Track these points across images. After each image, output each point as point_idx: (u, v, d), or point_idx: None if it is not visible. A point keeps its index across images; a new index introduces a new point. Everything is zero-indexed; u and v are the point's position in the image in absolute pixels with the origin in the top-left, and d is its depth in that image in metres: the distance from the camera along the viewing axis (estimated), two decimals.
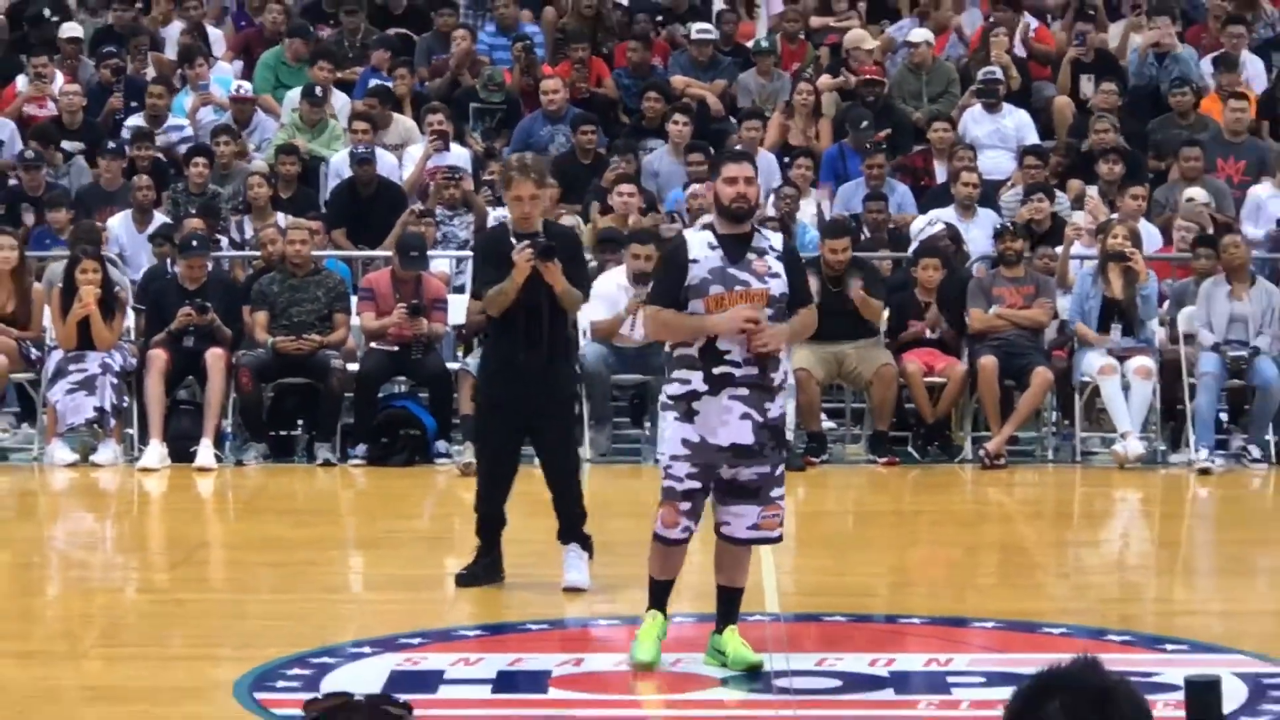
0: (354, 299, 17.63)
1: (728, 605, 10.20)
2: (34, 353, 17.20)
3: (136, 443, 16.75)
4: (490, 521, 12.10)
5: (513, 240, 12.03)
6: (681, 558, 10.13)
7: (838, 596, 11.31)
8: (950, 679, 10.08)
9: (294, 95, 20.72)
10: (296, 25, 22.24)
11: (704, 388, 9.77)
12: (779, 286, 9.99)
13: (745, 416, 9.87)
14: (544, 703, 9.86)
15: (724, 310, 9.76)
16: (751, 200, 10.28)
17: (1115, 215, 18.08)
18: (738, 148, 15.19)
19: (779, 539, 10.38)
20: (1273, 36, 21.81)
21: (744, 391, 9.87)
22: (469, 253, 15.52)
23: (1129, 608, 12.43)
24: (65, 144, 20.19)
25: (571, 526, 12.09)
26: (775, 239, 10.52)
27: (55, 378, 16.84)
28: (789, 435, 16.48)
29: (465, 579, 12.04)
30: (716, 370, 9.78)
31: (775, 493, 10.07)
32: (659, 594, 10.11)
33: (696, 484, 9.80)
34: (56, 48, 21.60)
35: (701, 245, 9.91)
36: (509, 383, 12.28)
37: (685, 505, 9.80)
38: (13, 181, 19.43)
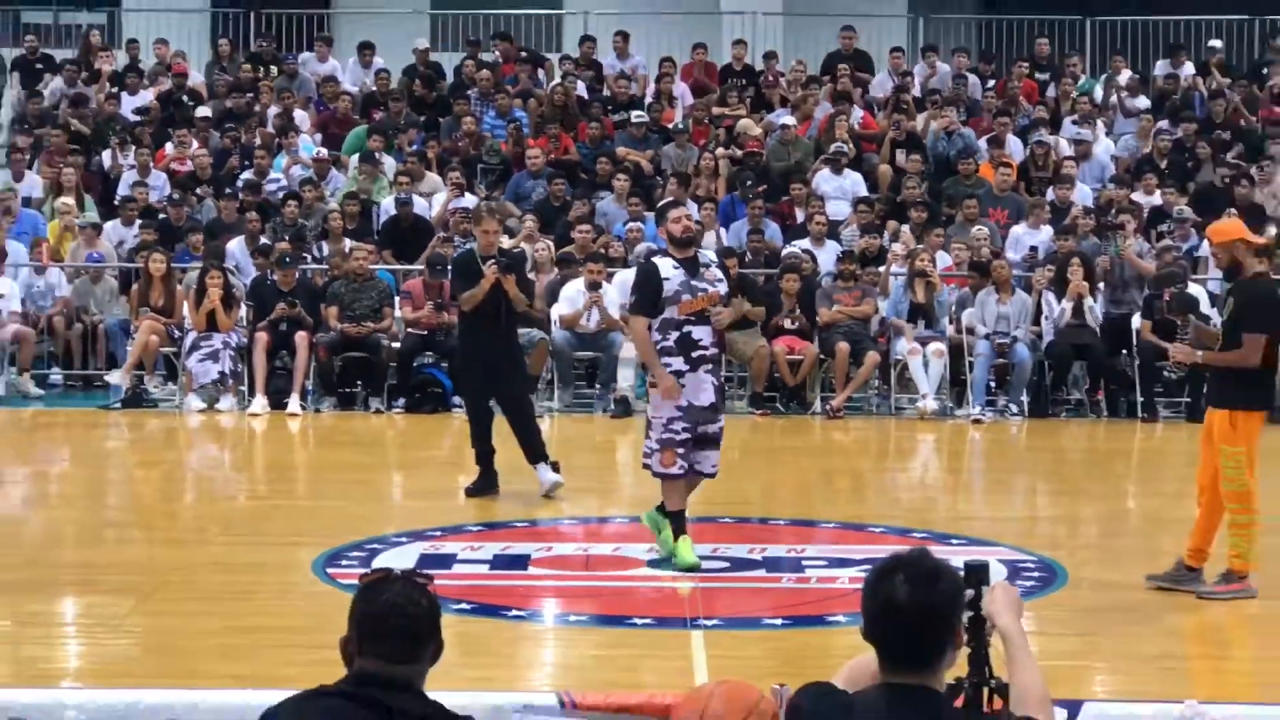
0: (397, 299, 17.61)
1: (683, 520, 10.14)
2: (176, 333, 17.35)
3: (247, 396, 16.67)
4: (482, 451, 12.16)
5: (480, 261, 12.20)
6: (686, 491, 10.05)
7: (727, 505, 11.33)
8: (804, 562, 10.17)
9: (356, 158, 20.65)
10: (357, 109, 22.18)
11: (685, 367, 9.78)
12: (723, 287, 10.11)
13: (712, 384, 9.97)
14: (525, 576, 9.88)
15: (692, 310, 9.78)
16: (693, 230, 10.49)
17: (920, 246, 18.11)
18: (673, 199, 15.12)
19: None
20: (1027, 123, 21.73)
21: (710, 366, 9.96)
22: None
23: (926, 514, 12.45)
24: (199, 190, 20.04)
25: (535, 451, 12.18)
26: (710, 253, 10.70)
27: (191, 350, 16.99)
28: None
29: (471, 491, 12.11)
30: (694, 354, 9.81)
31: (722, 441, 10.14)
32: (679, 522, 10.01)
33: (688, 435, 9.79)
34: (193, 123, 21.44)
35: (667, 268, 9.89)
36: (479, 356, 12.41)
37: (681, 450, 9.77)
38: (162, 216, 19.33)
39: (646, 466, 10.15)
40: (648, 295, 10.00)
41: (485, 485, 12.13)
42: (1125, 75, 23.49)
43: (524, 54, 24.18)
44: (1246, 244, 9.61)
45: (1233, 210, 18.16)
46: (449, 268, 17.22)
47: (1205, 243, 14.11)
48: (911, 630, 4.18)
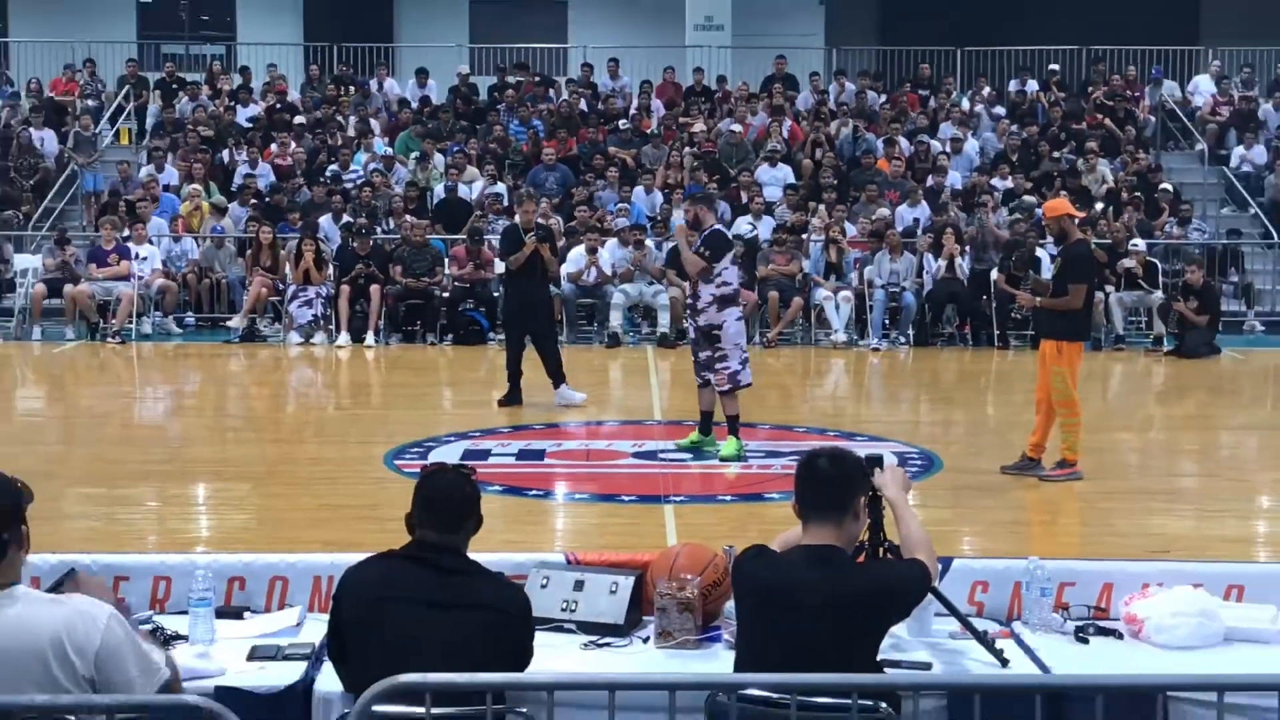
0: (446, 260, 17.54)
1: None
2: (280, 286, 17.25)
3: (334, 333, 16.61)
4: (513, 373, 12.14)
5: (522, 232, 12.17)
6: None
7: (691, 413, 11.36)
8: (747, 453, 10.07)
9: (413, 156, 20.56)
10: (415, 118, 22.00)
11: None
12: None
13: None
14: (542, 466, 9.88)
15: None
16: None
17: (832, 220, 18.09)
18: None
19: (725, 390, 9.98)
20: (913, 128, 21.68)
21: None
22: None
23: (837, 418, 12.46)
24: (296, 179, 19.99)
25: (557, 377, 12.13)
26: None
27: (291, 299, 16.88)
28: (665, 331, 16.61)
29: (503, 402, 12.05)
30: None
31: (719, 366, 9.84)
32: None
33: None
34: (291, 129, 21.35)
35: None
36: (519, 302, 12.41)
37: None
38: (268, 198, 19.27)
39: (733, 388, 9.88)
40: (721, 248, 9.82)
41: (513, 398, 12.10)
42: (986, 91, 23.46)
43: (538, 78, 24.04)
44: (1071, 217, 9.67)
45: (1063, 191, 18.24)
46: (490, 237, 17.34)
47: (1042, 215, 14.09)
48: (829, 488, 4.34)
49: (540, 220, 13.38)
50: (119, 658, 3.71)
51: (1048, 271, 11.73)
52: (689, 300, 10.12)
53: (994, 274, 17.10)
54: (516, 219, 13.09)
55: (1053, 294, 9.42)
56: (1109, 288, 16.86)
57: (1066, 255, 9.57)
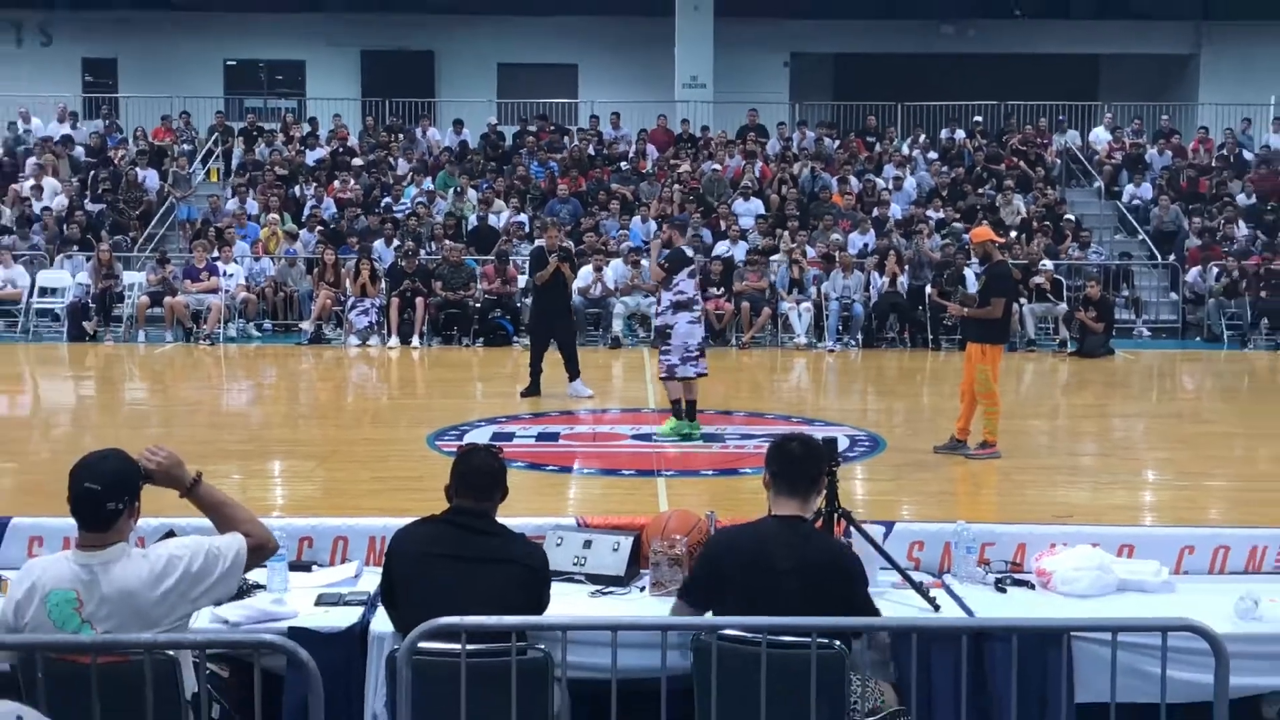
0: (478, 276, 17.47)
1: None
2: (342, 298, 17.18)
3: (386, 337, 16.60)
4: (535, 370, 12.09)
5: (546, 253, 12.13)
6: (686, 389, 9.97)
7: None
8: (726, 435, 10.03)
9: (451, 191, 20.51)
10: (452, 160, 21.95)
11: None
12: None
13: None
14: (557, 446, 9.82)
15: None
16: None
17: (795, 244, 18.07)
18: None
19: (663, 378, 10.05)
20: (862, 169, 21.67)
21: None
22: (526, 256, 15.37)
23: (799, 407, 12.41)
24: (354, 210, 19.93)
25: (573, 372, 12.07)
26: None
27: (350, 309, 16.85)
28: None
29: (524, 394, 11.96)
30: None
31: (661, 357, 9.90)
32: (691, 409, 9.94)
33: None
34: (350, 169, 21.31)
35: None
36: (544, 311, 12.32)
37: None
38: (332, 226, 19.26)
39: (668, 377, 9.87)
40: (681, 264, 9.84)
41: (533, 391, 12.05)
42: (921, 138, 23.46)
43: (554, 127, 23.99)
44: (993, 242, 9.69)
45: (985, 221, 18.24)
46: (514, 257, 17.32)
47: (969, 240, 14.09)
48: (799, 467, 4.28)
49: (560, 243, 13.38)
50: (204, 572, 3.83)
51: (974, 287, 11.70)
52: (654, 304, 10.19)
53: (928, 289, 17.11)
54: (540, 242, 13.05)
55: (978, 305, 9.44)
56: (1023, 300, 16.88)
57: (989, 274, 9.56)
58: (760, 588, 4.15)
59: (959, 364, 10.32)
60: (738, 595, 4.16)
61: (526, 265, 14.56)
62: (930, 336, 16.91)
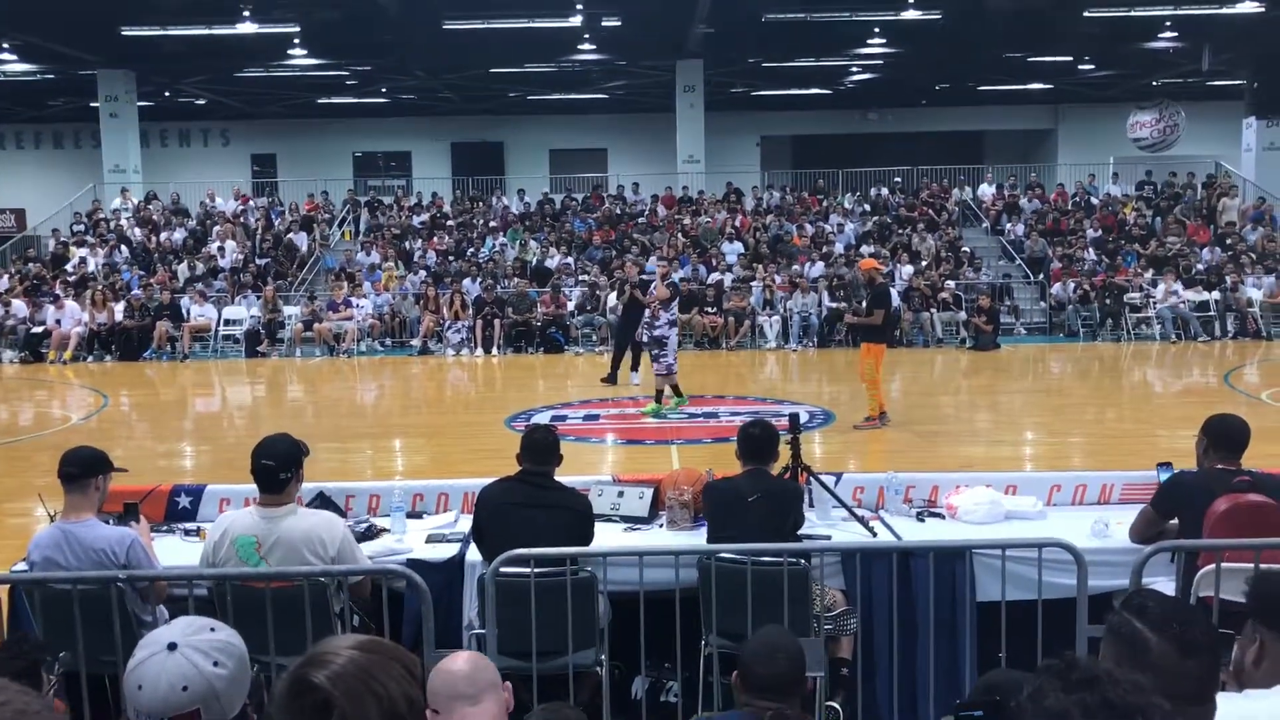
0: (538, 303, 17.34)
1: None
2: (442, 320, 17.06)
3: (473, 348, 16.59)
4: (615, 365, 11.96)
5: (627, 283, 12.12)
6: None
7: (684, 388, 11.27)
8: (720, 413, 10.02)
9: (518, 243, 20.43)
10: (519, 220, 21.86)
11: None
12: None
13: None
14: (597, 423, 9.81)
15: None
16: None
17: (767, 274, 17.92)
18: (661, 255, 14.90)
19: (660, 374, 10.04)
20: (815, 218, 21.47)
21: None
22: (574, 287, 15.25)
23: (770, 390, 12.29)
24: (449, 258, 19.86)
25: (637, 366, 11.90)
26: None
27: (447, 329, 16.77)
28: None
29: (604, 381, 11.69)
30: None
31: (660, 361, 9.86)
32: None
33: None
34: (447, 227, 21.25)
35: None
36: (626, 323, 11.88)
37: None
38: (433, 270, 19.12)
39: (666, 374, 9.85)
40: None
41: (611, 379, 11.85)
42: (857, 195, 23.29)
43: (591, 194, 24.00)
44: (877, 269, 9.64)
45: (884, 253, 18.02)
46: (564, 290, 17.16)
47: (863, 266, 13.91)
48: (758, 445, 4.27)
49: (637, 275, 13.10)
50: (348, 547, 3.80)
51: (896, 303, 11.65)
52: (647, 320, 10.08)
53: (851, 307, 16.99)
54: (618, 273, 12.83)
55: (865, 314, 9.39)
56: (933, 310, 16.75)
57: (873, 292, 9.49)
58: (733, 513, 4.18)
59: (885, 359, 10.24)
60: (725, 515, 4.20)
61: (614, 291, 14.36)
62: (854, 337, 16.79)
